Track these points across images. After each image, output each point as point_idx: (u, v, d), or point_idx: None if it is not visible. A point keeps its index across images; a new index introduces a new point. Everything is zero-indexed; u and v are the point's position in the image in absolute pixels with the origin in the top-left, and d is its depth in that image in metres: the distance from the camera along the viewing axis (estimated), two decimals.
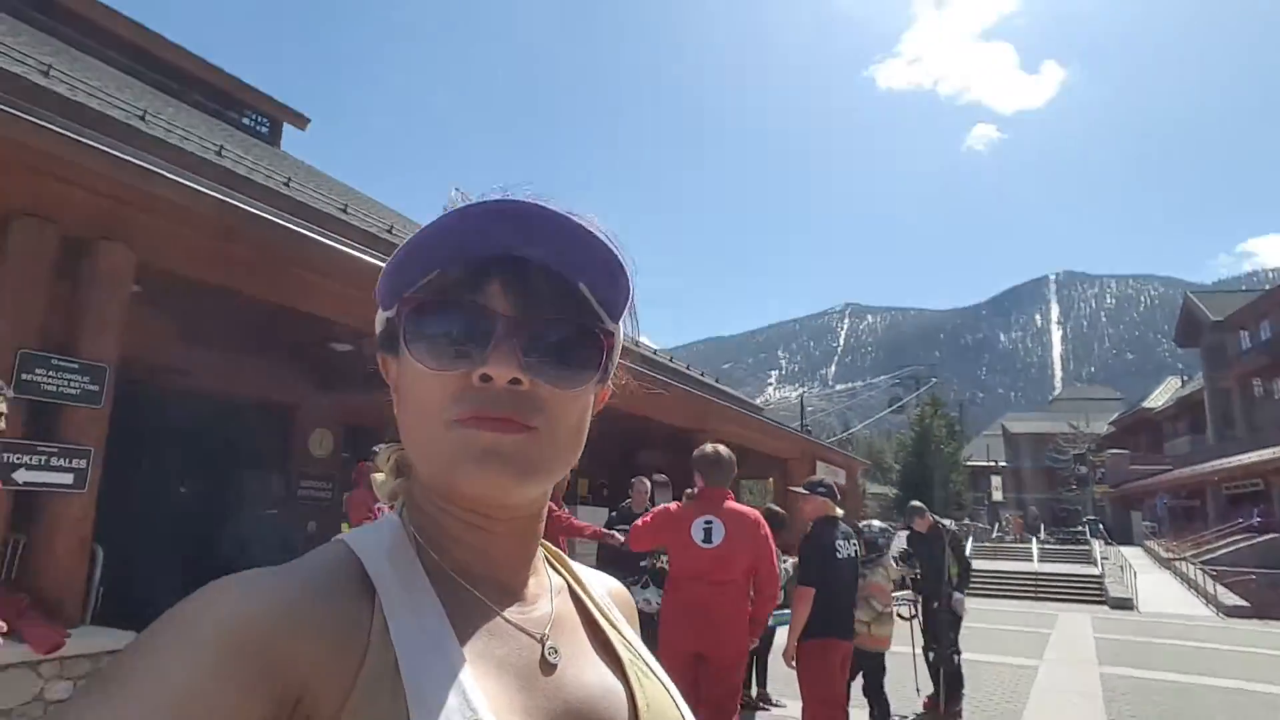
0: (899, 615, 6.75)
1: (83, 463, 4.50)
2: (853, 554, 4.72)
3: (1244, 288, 56.67)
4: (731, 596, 4.00)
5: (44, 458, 4.33)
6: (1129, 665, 10.40)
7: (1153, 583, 23.05)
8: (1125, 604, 20.69)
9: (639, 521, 4.42)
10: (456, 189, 0.64)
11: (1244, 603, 19.92)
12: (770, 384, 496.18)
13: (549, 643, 0.60)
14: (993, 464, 50.43)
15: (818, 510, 4.71)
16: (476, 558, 0.60)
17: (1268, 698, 8.55)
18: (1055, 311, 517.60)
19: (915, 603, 7.16)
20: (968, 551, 8.61)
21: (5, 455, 4.10)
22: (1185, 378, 55.41)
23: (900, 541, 7.22)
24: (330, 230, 6.31)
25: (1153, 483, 37.06)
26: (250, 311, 6.30)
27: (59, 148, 4.29)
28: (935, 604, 6.90)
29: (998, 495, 46.47)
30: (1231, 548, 24.63)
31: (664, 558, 4.97)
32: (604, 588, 0.75)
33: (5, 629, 2.91)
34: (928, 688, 6.90)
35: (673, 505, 4.32)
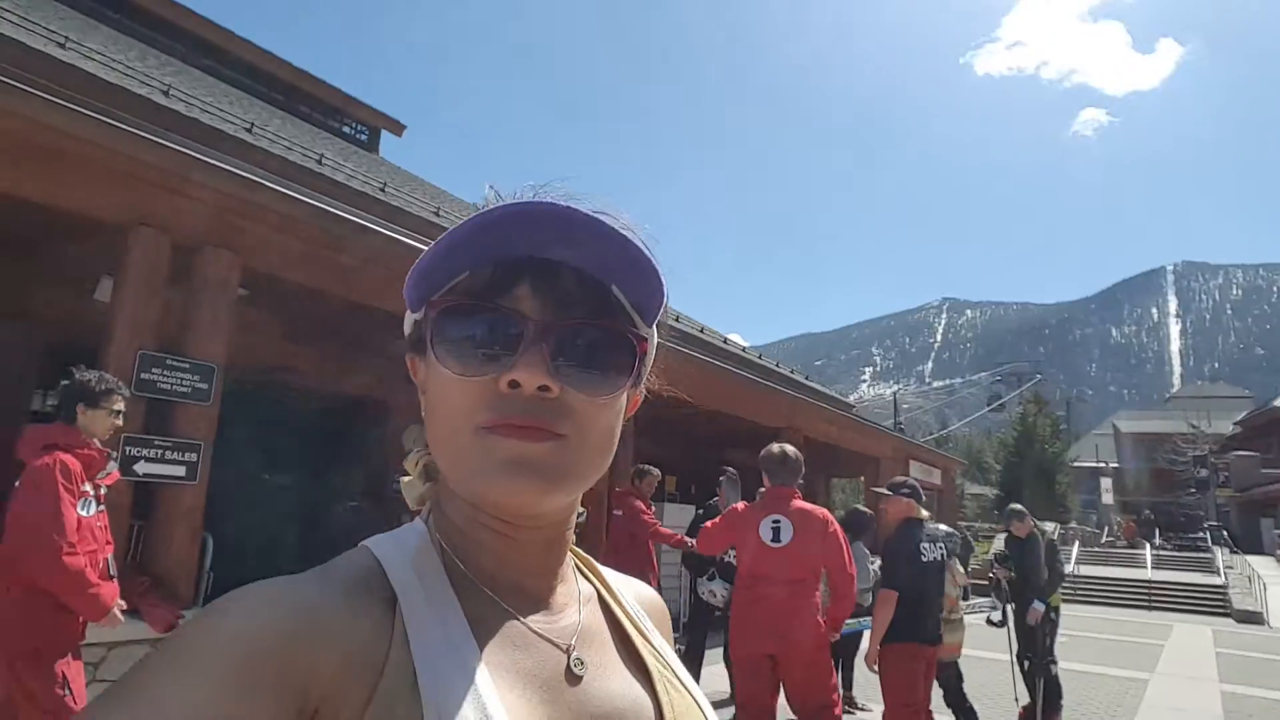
0: (989, 622, 6.55)
1: (194, 456, 4.82)
2: (939, 557, 4.56)
3: None
4: (801, 595, 3.96)
5: (160, 451, 4.67)
6: (1257, 684, 9.62)
7: None
8: (1254, 618, 19.24)
9: (708, 524, 4.41)
10: (491, 187, 0.62)
11: None
12: (864, 381, 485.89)
13: (575, 653, 0.59)
14: (1102, 465, 47.80)
15: (901, 512, 4.59)
16: (503, 566, 0.59)
17: None
18: (1174, 304, 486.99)
19: (1005, 609, 6.86)
20: (1071, 557, 8.19)
21: (126, 449, 4.42)
22: None
23: (998, 543, 6.98)
24: (423, 234, 6.53)
25: None
26: (347, 312, 6.58)
27: (173, 162, 4.62)
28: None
29: (1107, 498, 43.90)
30: None
31: (732, 551, 4.96)
32: (635, 595, 0.73)
33: (126, 607, 3.16)
34: (1026, 697, 6.60)
35: (740, 505, 4.31)
